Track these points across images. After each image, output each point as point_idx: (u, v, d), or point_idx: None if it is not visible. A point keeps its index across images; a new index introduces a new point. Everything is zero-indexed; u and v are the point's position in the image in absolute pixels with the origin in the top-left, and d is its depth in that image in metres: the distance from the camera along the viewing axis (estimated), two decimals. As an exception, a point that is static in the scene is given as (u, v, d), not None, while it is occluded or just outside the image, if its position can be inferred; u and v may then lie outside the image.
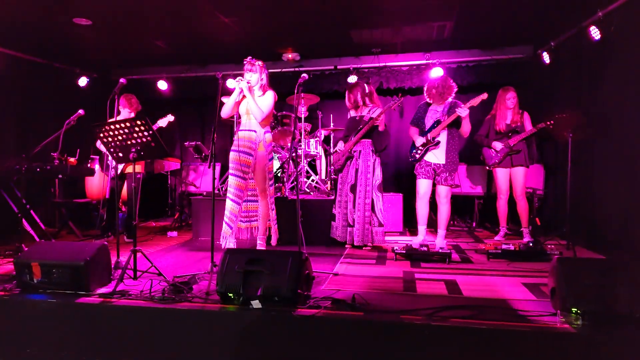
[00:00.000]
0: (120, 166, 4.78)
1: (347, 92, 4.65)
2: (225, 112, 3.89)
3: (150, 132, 3.17)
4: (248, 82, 3.81)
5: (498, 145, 4.76)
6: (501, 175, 4.82)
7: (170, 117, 5.09)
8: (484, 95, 4.13)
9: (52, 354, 2.70)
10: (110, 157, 4.91)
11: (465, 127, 4.20)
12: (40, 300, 2.82)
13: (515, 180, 4.77)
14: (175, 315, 2.62)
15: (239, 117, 4.15)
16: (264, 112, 3.86)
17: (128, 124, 3.16)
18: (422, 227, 4.47)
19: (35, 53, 5.85)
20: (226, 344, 2.53)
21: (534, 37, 5.63)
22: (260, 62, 3.91)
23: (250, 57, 3.89)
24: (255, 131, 3.91)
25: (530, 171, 4.94)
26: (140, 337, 2.64)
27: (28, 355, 2.72)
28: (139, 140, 3.21)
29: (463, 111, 4.05)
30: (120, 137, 3.22)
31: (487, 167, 4.96)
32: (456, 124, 4.23)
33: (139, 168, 4.94)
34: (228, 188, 3.94)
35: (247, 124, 3.94)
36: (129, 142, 3.22)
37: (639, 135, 3.89)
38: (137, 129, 3.17)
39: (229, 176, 3.95)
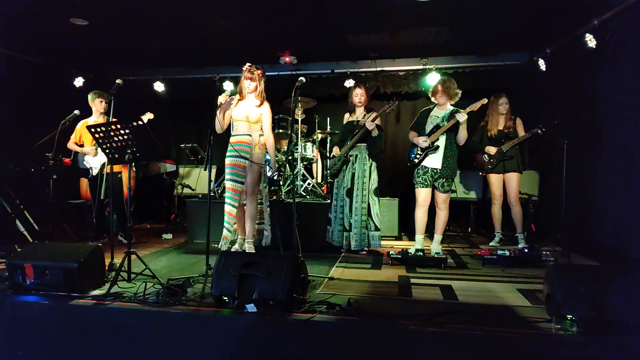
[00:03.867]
0: (98, 166, 4.73)
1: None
2: (219, 128, 3.95)
3: (124, 132, 3.14)
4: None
5: (491, 150, 4.79)
6: (495, 181, 4.85)
7: (149, 115, 5.01)
8: (484, 100, 4.14)
9: (44, 356, 2.67)
10: (85, 158, 4.90)
11: (462, 134, 4.18)
12: (32, 302, 2.79)
13: (508, 186, 4.79)
14: (169, 319, 2.60)
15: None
16: (270, 130, 4.05)
17: (124, 126, 3.15)
18: (419, 237, 4.39)
19: (31, 52, 5.82)
20: (221, 348, 2.51)
21: (530, 44, 5.67)
22: (259, 72, 3.98)
23: (250, 65, 3.95)
24: (250, 135, 3.97)
25: (525, 177, 4.96)
26: (133, 340, 2.62)
27: (20, 357, 2.69)
28: (117, 144, 3.19)
29: (462, 116, 4.04)
30: (116, 139, 3.20)
31: (481, 174, 4.99)
32: (455, 130, 4.23)
33: (117, 168, 4.85)
34: (226, 193, 3.98)
35: (241, 128, 3.99)
36: (124, 144, 3.21)
37: (632, 142, 3.92)
38: (110, 131, 3.15)
39: (226, 181, 4.01)
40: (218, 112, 3.88)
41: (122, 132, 3.15)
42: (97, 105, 4.87)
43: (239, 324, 2.52)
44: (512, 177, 4.76)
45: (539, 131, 4.52)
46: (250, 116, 3.96)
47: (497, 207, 4.91)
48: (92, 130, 3.18)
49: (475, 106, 4.11)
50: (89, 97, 4.92)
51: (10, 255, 3.23)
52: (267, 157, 4.16)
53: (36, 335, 2.71)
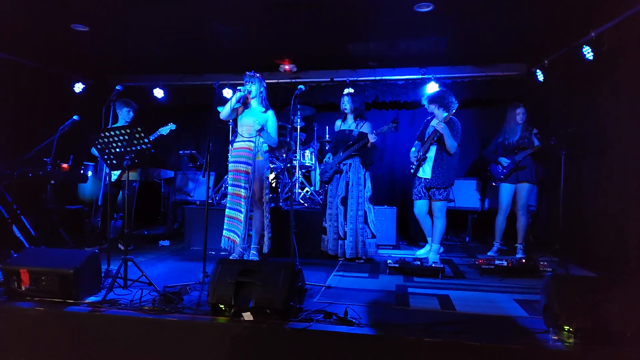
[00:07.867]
0: (116, 173, 4.75)
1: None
2: (224, 114, 4.05)
3: (147, 140, 3.16)
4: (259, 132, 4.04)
5: (504, 160, 4.79)
6: (505, 191, 4.83)
7: (171, 126, 5.08)
8: (448, 117, 4.23)
9: (37, 364, 2.65)
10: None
11: (447, 142, 4.24)
12: (27, 308, 2.77)
13: (518, 195, 4.78)
14: (164, 326, 2.58)
15: (235, 125, 4.24)
16: (276, 137, 4.13)
17: (125, 132, 3.16)
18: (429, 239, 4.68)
19: (31, 57, 5.83)
20: (216, 357, 2.50)
21: (528, 55, 5.70)
22: (258, 76, 4.12)
23: (248, 72, 4.08)
24: (253, 141, 4.04)
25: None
26: (129, 347, 2.60)
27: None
28: (133, 148, 3.20)
29: (439, 125, 4.18)
30: (115, 144, 3.21)
31: (494, 183, 4.97)
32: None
33: (134, 176, 4.92)
34: (229, 198, 4.04)
35: (244, 135, 4.06)
36: (123, 150, 3.21)
37: (630, 153, 3.93)
38: (133, 136, 3.16)
39: (230, 187, 4.06)
40: (235, 100, 3.95)
41: (121, 138, 3.16)
42: (124, 113, 4.90)
43: (235, 332, 2.50)
44: (524, 188, 4.74)
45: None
46: (255, 123, 4.02)
47: (501, 217, 4.89)
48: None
49: (446, 119, 4.19)
50: (117, 104, 4.87)
51: (6, 260, 3.20)
52: (269, 164, 4.20)
53: (30, 342, 2.69)
